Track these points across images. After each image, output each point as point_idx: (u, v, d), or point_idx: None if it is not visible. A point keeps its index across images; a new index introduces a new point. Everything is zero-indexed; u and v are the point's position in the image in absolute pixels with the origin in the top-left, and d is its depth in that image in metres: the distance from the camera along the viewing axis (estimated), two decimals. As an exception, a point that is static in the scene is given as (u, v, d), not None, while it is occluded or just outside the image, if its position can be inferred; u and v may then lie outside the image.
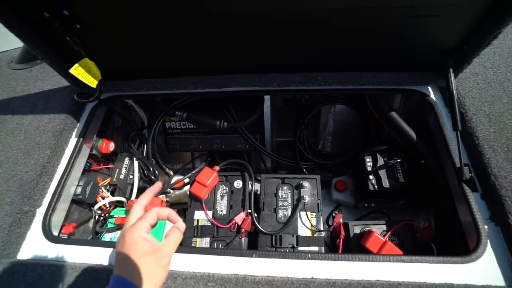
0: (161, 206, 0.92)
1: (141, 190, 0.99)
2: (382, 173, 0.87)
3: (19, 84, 1.06)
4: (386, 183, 0.86)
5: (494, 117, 0.72)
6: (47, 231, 0.73)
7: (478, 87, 0.79)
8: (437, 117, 0.77)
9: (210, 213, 0.81)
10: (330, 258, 0.62)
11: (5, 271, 0.66)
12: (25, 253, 0.71)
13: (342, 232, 0.77)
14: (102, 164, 1.01)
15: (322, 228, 0.77)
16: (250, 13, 0.64)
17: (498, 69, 0.83)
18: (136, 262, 0.45)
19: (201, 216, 0.82)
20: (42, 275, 0.64)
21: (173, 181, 1.01)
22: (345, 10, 0.62)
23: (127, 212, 0.89)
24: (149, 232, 0.51)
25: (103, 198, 0.94)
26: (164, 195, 1.02)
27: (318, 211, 0.79)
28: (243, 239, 0.77)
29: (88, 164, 0.94)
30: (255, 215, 0.80)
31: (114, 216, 0.88)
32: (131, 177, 0.99)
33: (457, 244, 0.68)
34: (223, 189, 0.85)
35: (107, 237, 0.85)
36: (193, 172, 0.95)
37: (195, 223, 0.81)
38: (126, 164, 1.00)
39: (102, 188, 0.96)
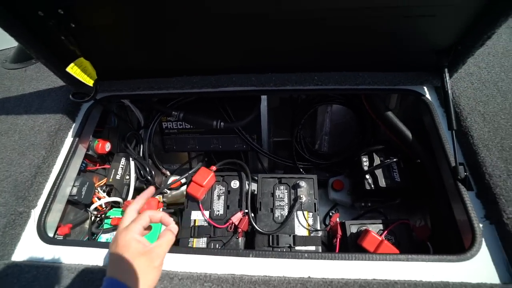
0: (158, 207, 0.92)
1: (137, 191, 0.99)
2: (379, 172, 0.88)
3: (14, 84, 1.05)
4: (382, 183, 0.86)
5: (488, 116, 0.73)
6: (42, 232, 0.73)
7: (472, 87, 0.80)
8: (432, 116, 0.78)
9: (207, 213, 0.81)
10: (327, 257, 0.62)
11: (-1, 272, 0.65)
12: (19, 254, 0.70)
13: (339, 232, 0.78)
14: (98, 165, 1.01)
15: (319, 228, 0.77)
16: (247, 14, 0.64)
17: (492, 69, 0.84)
18: (129, 263, 0.45)
19: (198, 216, 0.81)
20: (37, 277, 0.64)
21: (169, 181, 1.01)
22: (341, 10, 0.62)
23: (123, 213, 0.88)
24: (144, 236, 0.52)
25: (99, 198, 0.93)
26: (161, 196, 1.01)
27: (315, 211, 0.79)
28: (240, 239, 0.77)
29: (84, 165, 0.93)
30: (252, 215, 0.80)
31: (111, 217, 0.88)
32: (127, 177, 0.99)
33: (452, 243, 0.69)
34: (220, 189, 0.85)
35: (103, 238, 0.85)
36: (189, 172, 0.95)
37: (192, 223, 0.80)
38: (122, 165, 1.00)
39: (98, 188, 0.95)
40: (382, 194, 0.89)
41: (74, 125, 0.91)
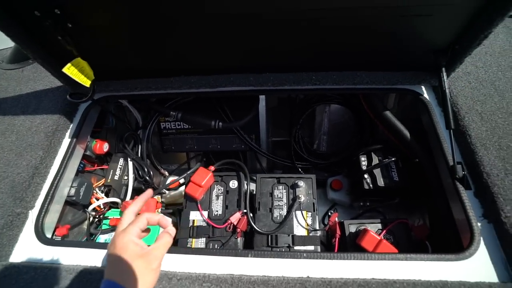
0: (156, 207, 0.92)
1: (136, 191, 0.99)
2: (377, 172, 0.88)
3: (11, 85, 1.05)
4: (381, 182, 0.86)
5: (486, 115, 0.73)
6: (40, 233, 0.72)
7: (470, 86, 0.80)
8: (430, 116, 0.78)
9: (205, 213, 0.81)
10: (326, 257, 0.62)
11: (-3, 274, 0.65)
12: (17, 255, 0.70)
13: (338, 231, 0.78)
14: (96, 165, 1.00)
15: (317, 228, 0.77)
16: (245, 13, 0.64)
17: (490, 68, 0.85)
18: (126, 265, 0.46)
19: (196, 217, 0.81)
20: (35, 278, 0.64)
21: (168, 181, 1.01)
22: (338, 10, 0.62)
23: (121, 213, 0.88)
24: (143, 238, 0.52)
25: (97, 199, 0.93)
26: (160, 196, 1.01)
27: (314, 211, 0.79)
28: (238, 239, 0.77)
29: (82, 165, 0.93)
30: (251, 215, 0.80)
31: (109, 218, 0.87)
32: (125, 178, 0.98)
33: (451, 242, 0.69)
34: (219, 189, 0.85)
35: (101, 238, 0.84)
36: (188, 173, 0.94)
37: (191, 224, 0.80)
38: (120, 165, 0.99)
39: (96, 189, 0.95)
40: (381, 194, 0.89)
41: (71, 125, 0.90)
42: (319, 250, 0.73)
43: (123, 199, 0.95)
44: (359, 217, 0.96)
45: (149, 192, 0.63)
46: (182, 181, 0.98)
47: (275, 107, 1.18)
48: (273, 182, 0.84)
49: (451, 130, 0.70)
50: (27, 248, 0.71)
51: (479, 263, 0.58)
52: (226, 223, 0.78)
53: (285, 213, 0.79)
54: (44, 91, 0.98)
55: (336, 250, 0.76)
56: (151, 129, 1.07)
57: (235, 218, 0.78)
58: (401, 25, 0.66)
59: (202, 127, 1.08)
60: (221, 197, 0.84)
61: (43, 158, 0.80)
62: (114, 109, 1.10)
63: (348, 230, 0.78)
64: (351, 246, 0.75)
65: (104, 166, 1.01)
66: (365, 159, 0.93)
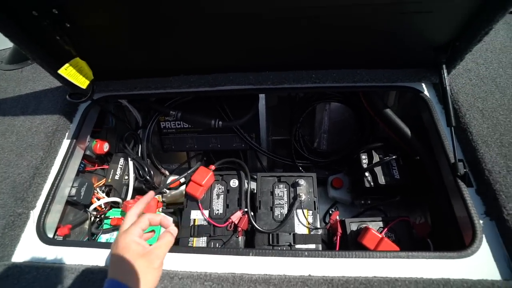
0: (157, 206, 0.92)
1: (136, 191, 0.99)
2: (378, 170, 0.88)
3: (10, 85, 1.04)
4: (382, 180, 0.86)
5: (487, 112, 0.73)
6: (41, 233, 0.72)
7: (471, 83, 0.80)
8: (431, 113, 0.78)
9: (206, 212, 0.81)
10: (327, 255, 0.62)
11: (-1, 274, 0.65)
12: (19, 255, 0.70)
13: (339, 230, 0.78)
14: (96, 165, 1.00)
15: (318, 226, 0.77)
16: (244, 12, 0.64)
17: (490, 65, 0.84)
18: (129, 264, 0.46)
19: (197, 216, 0.81)
20: (37, 278, 0.64)
21: (168, 181, 1.01)
22: (338, 7, 0.62)
23: (122, 213, 0.88)
24: (148, 240, 0.53)
25: (98, 199, 0.93)
26: (160, 195, 1.01)
27: (315, 209, 0.79)
28: (240, 238, 0.77)
29: (82, 165, 0.93)
30: (252, 213, 0.80)
31: (110, 217, 0.87)
32: (126, 177, 0.98)
33: (453, 239, 0.69)
34: (219, 188, 0.85)
35: (103, 238, 0.85)
36: (188, 172, 0.94)
37: (192, 223, 0.80)
38: (121, 165, 0.99)
39: (97, 189, 0.95)
40: (382, 192, 0.89)
41: (71, 125, 0.90)
42: (320, 248, 0.73)
43: (123, 199, 0.95)
44: (360, 215, 0.96)
45: (150, 194, 0.64)
46: (182, 180, 0.98)
47: (275, 105, 1.18)
48: (273, 181, 0.84)
49: (452, 128, 0.70)
50: (29, 248, 0.71)
51: (482, 261, 0.58)
52: (227, 222, 0.78)
53: (286, 212, 0.79)
54: (43, 91, 0.98)
55: (337, 249, 0.76)
56: (151, 128, 1.06)
57: (236, 217, 0.78)
58: (401, 22, 0.65)
59: (202, 126, 1.08)
60: (221, 196, 0.84)
61: (44, 158, 0.80)
62: (114, 109, 1.10)
63: (349, 228, 0.77)
64: (352, 244, 0.75)
65: (105, 166, 1.01)
66: (366, 157, 0.92)
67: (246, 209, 0.80)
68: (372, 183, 0.88)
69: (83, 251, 0.68)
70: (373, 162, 0.89)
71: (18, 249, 0.71)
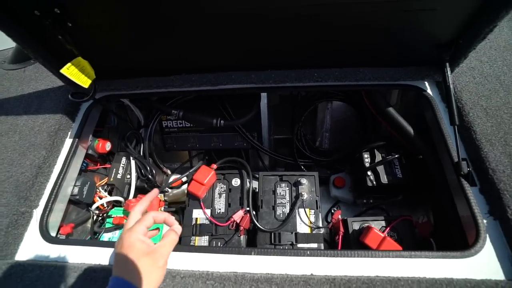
0: (159, 205, 0.92)
1: (138, 190, 0.99)
2: (380, 169, 0.87)
3: (13, 85, 1.05)
4: (384, 179, 0.86)
5: (491, 111, 0.72)
6: (44, 232, 0.73)
7: (474, 81, 0.79)
8: (434, 112, 0.77)
9: (208, 211, 0.81)
10: (329, 254, 0.62)
11: (3, 272, 0.66)
12: (23, 254, 0.70)
13: (341, 229, 0.77)
14: (99, 164, 1.00)
15: (321, 225, 0.76)
16: (245, 11, 0.63)
17: (494, 63, 0.83)
18: (133, 263, 0.46)
19: (199, 215, 0.81)
20: (40, 276, 0.64)
21: (170, 180, 1.01)
22: (340, 5, 0.61)
23: (125, 212, 0.89)
24: (152, 238, 0.53)
25: (100, 198, 0.93)
26: (162, 194, 1.01)
27: (317, 208, 0.78)
28: (241, 237, 0.77)
29: (84, 164, 0.93)
30: (254, 212, 0.80)
31: (112, 216, 0.88)
32: (128, 176, 0.98)
33: (456, 239, 0.68)
34: (221, 187, 0.85)
35: (105, 237, 0.85)
36: (190, 171, 0.94)
37: (194, 222, 0.80)
38: (123, 164, 1.00)
39: (100, 188, 0.95)
40: (384, 191, 0.89)
41: (74, 125, 0.91)
42: (322, 247, 0.73)
43: (126, 198, 0.95)
44: (362, 214, 0.96)
45: (154, 191, 0.64)
46: (184, 179, 0.98)
47: (277, 104, 1.17)
48: (275, 180, 0.84)
49: (456, 126, 0.69)
50: (32, 247, 0.71)
51: (485, 261, 0.57)
52: (229, 221, 0.78)
53: (288, 211, 0.79)
54: (46, 90, 0.99)
55: (339, 248, 0.76)
56: (153, 127, 1.06)
57: (238, 216, 0.78)
58: (403, 20, 0.65)
59: (203, 125, 1.08)
60: (223, 195, 0.84)
61: (46, 157, 0.81)
62: (116, 108, 1.10)
63: (352, 227, 0.77)
64: (354, 243, 0.75)
65: (107, 165, 1.01)
66: (368, 156, 0.92)
67: (248, 208, 0.80)
68: (374, 182, 0.87)
69: (85, 249, 0.69)
70: (376, 161, 0.89)
71: (21, 247, 0.71)
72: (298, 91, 1.12)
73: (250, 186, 0.84)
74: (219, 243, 0.77)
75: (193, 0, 0.60)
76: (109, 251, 0.68)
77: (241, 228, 0.77)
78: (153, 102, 1.03)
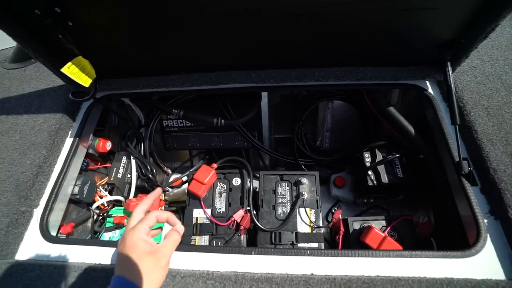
0: (159, 205, 0.92)
1: (139, 189, 0.99)
2: (381, 168, 0.87)
3: (13, 84, 1.05)
4: (385, 179, 0.85)
5: (492, 110, 0.72)
6: (44, 231, 0.73)
7: (476, 80, 0.79)
8: (435, 111, 0.77)
9: (208, 211, 0.81)
10: (330, 254, 0.62)
11: (3, 272, 0.66)
12: (23, 253, 0.70)
13: (342, 228, 0.77)
14: (99, 163, 1.00)
15: (321, 225, 0.76)
16: (244, 11, 0.63)
17: (496, 62, 0.83)
18: (136, 262, 0.46)
19: (199, 214, 0.81)
20: (41, 276, 0.64)
21: (171, 179, 1.01)
22: (340, 4, 0.61)
23: (125, 211, 0.89)
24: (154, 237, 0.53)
25: (101, 197, 0.93)
26: (163, 194, 1.01)
27: (317, 208, 0.78)
28: (242, 236, 0.77)
29: (85, 164, 0.93)
30: (254, 212, 0.79)
31: (113, 215, 0.88)
32: (128, 176, 0.98)
33: (456, 239, 0.68)
34: (222, 187, 0.85)
35: (105, 236, 0.85)
36: (191, 170, 0.94)
37: (194, 221, 0.80)
38: (123, 163, 1.00)
39: (100, 187, 0.95)
40: (385, 190, 0.88)
41: (74, 124, 0.91)
42: (322, 247, 0.73)
43: (126, 197, 0.95)
44: (363, 214, 0.96)
45: (158, 191, 0.64)
46: (185, 179, 0.98)
47: (277, 103, 1.17)
48: (276, 179, 0.84)
49: (457, 126, 0.69)
50: (32, 246, 0.71)
51: (486, 260, 0.57)
52: (230, 221, 0.78)
53: (288, 210, 0.79)
54: (46, 90, 0.99)
55: (340, 247, 0.76)
56: (154, 127, 1.06)
57: (238, 215, 0.78)
58: (404, 18, 0.65)
59: (204, 124, 1.08)
60: (224, 195, 0.84)
61: (47, 157, 0.81)
62: (116, 108, 1.10)
63: (352, 227, 0.77)
64: (355, 243, 0.75)
65: (107, 165, 1.02)
66: (369, 155, 0.92)
67: (248, 208, 0.79)
68: (375, 182, 0.87)
69: (86, 249, 0.69)
70: (376, 161, 0.88)
71: (22, 247, 0.71)
72: (299, 91, 1.12)
73: (250, 186, 0.84)
74: (219, 242, 0.77)
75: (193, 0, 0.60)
76: (110, 250, 0.68)
77: (242, 227, 0.77)
78: (153, 101, 1.03)
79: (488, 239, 0.59)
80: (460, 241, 0.66)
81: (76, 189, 0.85)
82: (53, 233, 0.76)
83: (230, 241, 0.76)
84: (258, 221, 0.77)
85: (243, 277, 0.59)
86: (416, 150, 0.86)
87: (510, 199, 0.59)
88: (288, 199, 0.81)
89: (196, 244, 0.77)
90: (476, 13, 0.61)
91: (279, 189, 0.82)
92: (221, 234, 0.78)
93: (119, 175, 0.98)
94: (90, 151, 0.94)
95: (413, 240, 0.73)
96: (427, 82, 0.83)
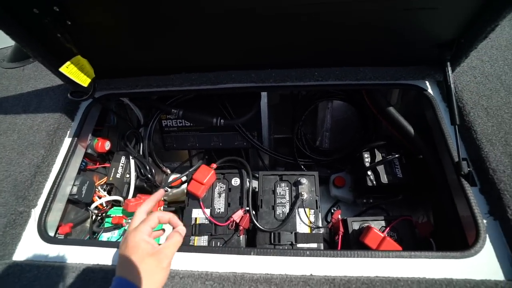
0: (158, 205, 0.92)
1: (138, 189, 0.99)
2: (380, 168, 0.87)
3: (12, 83, 1.04)
4: (384, 179, 0.85)
5: (492, 111, 0.72)
6: (42, 231, 0.72)
7: (475, 81, 0.79)
8: (434, 111, 0.77)
9: (207, 211, 0.81)
10: (329, 254, 0.61)
11: (0, 272, 0.65)
12: (20, 254, 0.70)
13: (341, 229, 0.77)
14: (98, 163, 1.00)
15: (320, 225, 0.76)
16: (244, 11, 0.63)
17: (496, 62, 0.83)
18: (137, 263, 0.46)
19: (198, 214, 0.81)
20: (38, 276, 0.64)
21: (170, 179, 1.00)
22: (340, 4, 0.61)
23: (124, 211, 0.88)
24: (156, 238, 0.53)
25: (99, 197, 0.93)
26: (162, 194, 1.01)
27: (317, 208, 0.78)
28: (241, 236, 0.77)
29: (83, 164, 0.93)
30: (253, 212, 0.79)
31: (111, 216, 0.87)
32: (127, 176, 0.98)
33: (456, 239, 0.68)
34: (221, 187, 0.85)
35: (104, 236, 0.85)
36: (190, 170, 0.94)
37: (193, 221, 0.80)
38: (122, 163, 0.99)
39: (99, 187, 0.95)
40: (384, 191, 0.88)
41: (73, 124, 0.90)
42: (322, 247, 0.73)
43: (125, 197, 0.95)
44: (362, 214, 0.96)
45: (160, 192, 0.64)
46: (184, 179, 0.98)
47: (277, 103, 1.17)
48: (275, 180, 0.84)
49: (456, 126, 0.69)
50: (30, 247, 0.71)
51: (485, 261, 0.57)
52: (229, 221, 0.78)
53: (287, 211, 0.78)
54: (45, 89, 0.98)
55: (339, 248, 0.75)
56: (153, 126, 1.06)
57: (237, 215, 0.78)
58: (404, 19, 0.64)
59: (203, 124, 1.07)
60: (223, 195, 0.83)
61: (45, 156, 0.80)
62: (115, 107, 1.09)
63: (352, 227, 0.77)
64: (354, 243, 0.75)
65: (106, 164, 1.01)
66: (368, 155, 0.92)
67: (247, 208, 0.79)
68: (374, 182, 0.87)
69: (84, 249, 0.68)
70: (376, 161, 0.88)
71: (19, 247, 0.71)
72: (299, 90, 1.12)
73: (250, 186, 0.84)
74: (218, 243, 0.77)
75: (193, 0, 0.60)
76: (108, 251, 0.67)
77: (241, 228, 0.76)
78: (153, 101, 1.03)
79: (487, 239, 0.59)
80: (459, 241, 0.66)
81: (75, 189, 0.84)
82: (51, 234, 0.76)
83: (229, 241, 0.76)
84: (257, 221, 0.77)
85: (242, 277, 0.59)
86: (416, 150, 0.86)
87: (509, 200, 0.59)
88: (288, 199, 0.80)
89: (195, 244, 0.77)
90: (476, 13, 0.61)
91: (279, 189, 0.82)
92: (220, 234, 0.78)
93: (118, 175, 0.97)
94: (89, 151, 0.94)
95: (412, 241, 0.73)
96: (426, 82, 0.83)
